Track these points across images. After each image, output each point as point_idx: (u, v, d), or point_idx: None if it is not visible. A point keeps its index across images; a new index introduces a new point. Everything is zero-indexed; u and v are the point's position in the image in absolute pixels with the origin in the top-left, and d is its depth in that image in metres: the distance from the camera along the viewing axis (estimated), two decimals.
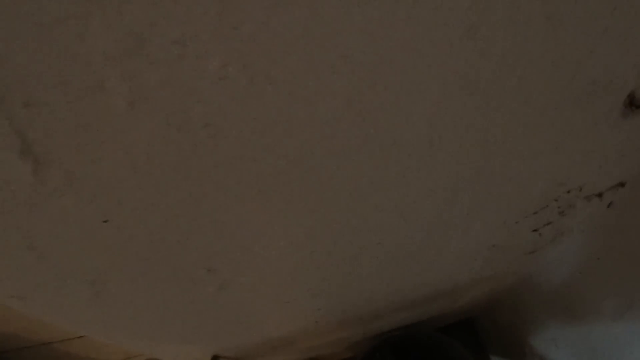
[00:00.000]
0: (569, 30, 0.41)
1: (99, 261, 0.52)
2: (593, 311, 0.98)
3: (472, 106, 0.47)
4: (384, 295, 0.95)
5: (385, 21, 0.34)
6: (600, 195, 0.85)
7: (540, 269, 1.10)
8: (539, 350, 1.20)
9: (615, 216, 0.89)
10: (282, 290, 0.72)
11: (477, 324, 1.55)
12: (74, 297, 0.58)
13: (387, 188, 0.53)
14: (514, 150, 0.57)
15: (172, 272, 0.58)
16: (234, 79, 0.33)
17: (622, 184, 0.85)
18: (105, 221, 0.45)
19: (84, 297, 0.58)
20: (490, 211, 0.72)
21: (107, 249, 0.49)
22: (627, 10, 0.42)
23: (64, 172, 0.38)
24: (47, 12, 0.27)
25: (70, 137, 0.35)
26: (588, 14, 0.40)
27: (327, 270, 0.70)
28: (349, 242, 0.63)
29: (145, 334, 0.75)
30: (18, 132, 0.34)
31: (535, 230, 0.88)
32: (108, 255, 0.51)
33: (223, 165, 0.41)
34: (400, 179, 0.53)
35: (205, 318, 0.76)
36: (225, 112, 0.36)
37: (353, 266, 0.72)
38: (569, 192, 0.79)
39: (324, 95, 0.37)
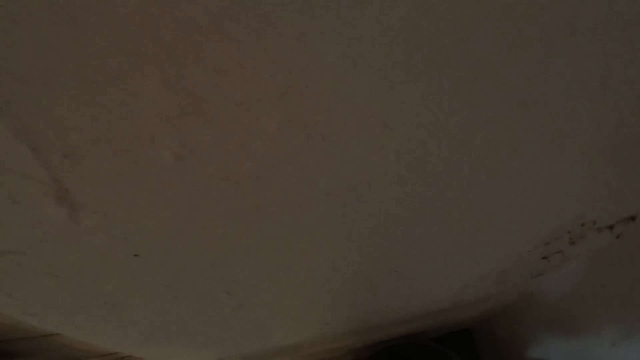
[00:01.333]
0: (621, 92, 0.40)
1: (122, 287, 0.51)
2: (592, 335, 1.01)
3: (503, 155, 0.46)
4: (390, 311, 0.96)
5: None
6: (611, 227, 0.86)
7: (543, 289, 1.12)
8: None
9: (623, 246, 0.90)
10: (295, 309, 0.72)
11: (474, 335, 1.59)
12: (88, 317, 0.57)
13: (417, 225, 0.53)
14: (542, 195, 0.57)
15: (192, 295, 0.57)
16: (290, 137, 0.32)
17: (633, 218, 0.86)
18: (136, 255, 0.44)
19: (99, 317, 0.58)
20: (506, 244, 0.72)
21: (133, 278, 0.48)
22: None
23: (100, 215, 0.37)
24: (102, 69, 0.25)
25: (110, 186, 0.33)
26: None
27: (341, 294, 0.70)
28: (369, 271, 0.63)
29: (152, 344, 0.75)
30: (56, 180, 0.32)
31: (544, 258, 0.89)
32: (132, 283, 0.50)
33: (264, 209, 0.40)
34: (428, 215, 0.53)
35: (217, 331, 0.76)
36: (275, 165, 0.34)
37: (366, 291, 0.72)
38: (583, 224, 0.80)
39: (373, 151, 0.36)
